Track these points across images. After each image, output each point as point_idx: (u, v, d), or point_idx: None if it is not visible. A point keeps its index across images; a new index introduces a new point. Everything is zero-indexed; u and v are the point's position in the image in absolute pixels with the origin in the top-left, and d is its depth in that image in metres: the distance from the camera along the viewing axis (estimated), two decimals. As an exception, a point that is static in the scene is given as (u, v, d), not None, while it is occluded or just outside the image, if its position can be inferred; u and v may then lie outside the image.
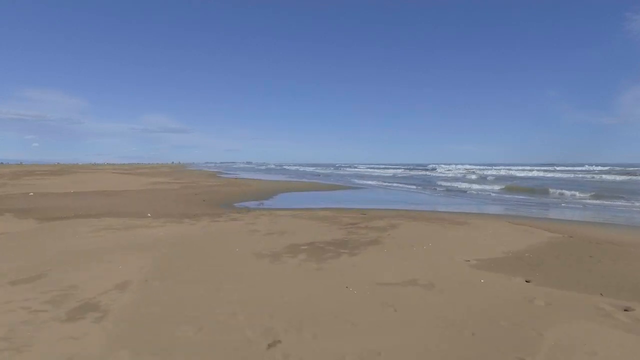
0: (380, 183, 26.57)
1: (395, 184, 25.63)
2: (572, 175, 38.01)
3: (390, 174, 43.78)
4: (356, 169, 66.19)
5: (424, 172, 47.63)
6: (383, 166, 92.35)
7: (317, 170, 59.06)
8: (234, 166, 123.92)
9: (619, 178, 33.99)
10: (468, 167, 76.70)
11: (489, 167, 62.35)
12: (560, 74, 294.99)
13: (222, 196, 13.97)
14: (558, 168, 59.30)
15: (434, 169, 57.39)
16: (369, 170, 60.85)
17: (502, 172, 44.39)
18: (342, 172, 50.82)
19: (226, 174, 42.01)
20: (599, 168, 57.69)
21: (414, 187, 22.88)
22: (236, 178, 31.03)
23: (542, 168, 58.39)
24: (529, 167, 62.93)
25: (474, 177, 34.83)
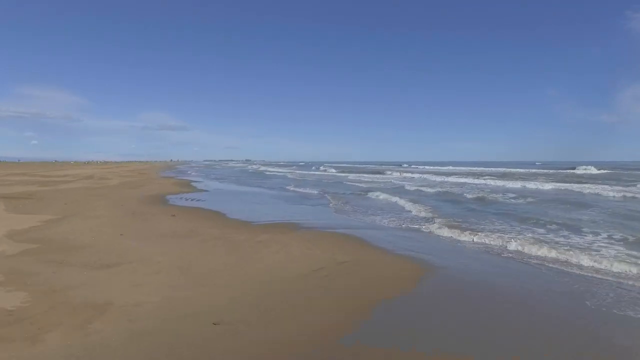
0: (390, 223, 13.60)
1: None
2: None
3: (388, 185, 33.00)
4: (348, 174, 58.48)
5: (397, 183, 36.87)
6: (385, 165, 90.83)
7: (306, 177, 50.06)
8: (218, 168, 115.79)
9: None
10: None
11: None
12: (560, 72, 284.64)
13: None
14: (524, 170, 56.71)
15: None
16: (365, 177, 53.04)
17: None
18: (331, 179, 40.26)
19: (190, 186, 29.55)
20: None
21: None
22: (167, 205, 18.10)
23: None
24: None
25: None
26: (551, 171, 73.26)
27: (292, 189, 31.88)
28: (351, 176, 53.41)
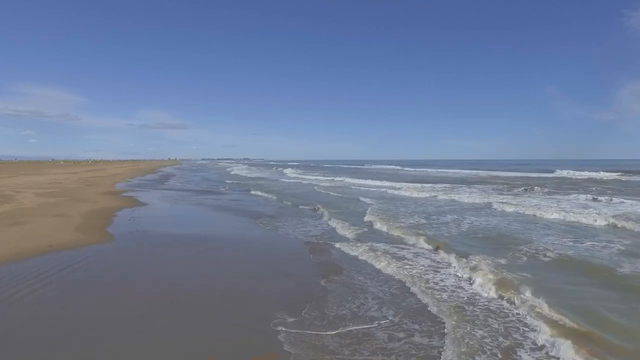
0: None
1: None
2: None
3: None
4: (330, 182, 55.20)
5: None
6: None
7: (288, 190, 39.03)
8: (201, 170, 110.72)
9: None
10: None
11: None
12: (559, 70, 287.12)
13: None
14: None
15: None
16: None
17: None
18: (312, 197, 30.67)
19: (104, 229, 20.48)
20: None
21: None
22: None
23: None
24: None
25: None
26: (565, 173, 65.81)
27: (266, 220, 24.19)
28: (327, 183, 53.19)
